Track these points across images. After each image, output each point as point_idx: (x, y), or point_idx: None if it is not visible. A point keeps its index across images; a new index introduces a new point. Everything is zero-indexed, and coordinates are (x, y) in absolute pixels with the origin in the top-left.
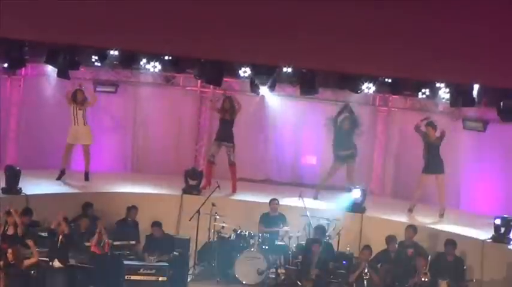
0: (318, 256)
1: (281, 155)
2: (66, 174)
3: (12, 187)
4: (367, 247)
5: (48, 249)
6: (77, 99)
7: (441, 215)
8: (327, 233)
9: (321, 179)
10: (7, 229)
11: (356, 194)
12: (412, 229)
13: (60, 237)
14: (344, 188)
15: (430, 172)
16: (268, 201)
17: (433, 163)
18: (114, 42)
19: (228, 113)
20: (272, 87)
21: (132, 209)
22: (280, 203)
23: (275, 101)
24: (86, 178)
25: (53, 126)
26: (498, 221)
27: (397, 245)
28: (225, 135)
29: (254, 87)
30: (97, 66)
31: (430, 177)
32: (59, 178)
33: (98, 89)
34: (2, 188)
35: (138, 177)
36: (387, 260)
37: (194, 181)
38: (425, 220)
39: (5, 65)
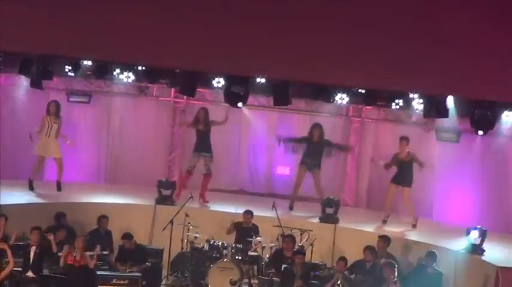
0: (301, 267)
1: (254, 165)
2: (36, 184)
3: None
4: (343, 258)
5: (22, 260)
6: (50, 111)
7: (414, 226)
8: (299, 244)
9: (292, 190)
10: None
11: (474, 235)
12: (384, 239)
13: (34, 248)
14: (317, 199)
15: (397, 183)
16: (241, 212)
17: (402, 175)
18: (89, 52)
19: (202, 124)
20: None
21: (102, 219)
22: (254, 213)
23: (248, 112)
24: (58, 188)
25: (26, 136)
26: (475, 233)
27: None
28: (203, 146)
29: (231, 98)
30: (70, 76)
31: (396, 188)
32: (30, 188)
33: (71, 99)
34: None
35: (112, 187)
36: (362, 270)
37: (167, 191)
38: (399, 230)
39: None
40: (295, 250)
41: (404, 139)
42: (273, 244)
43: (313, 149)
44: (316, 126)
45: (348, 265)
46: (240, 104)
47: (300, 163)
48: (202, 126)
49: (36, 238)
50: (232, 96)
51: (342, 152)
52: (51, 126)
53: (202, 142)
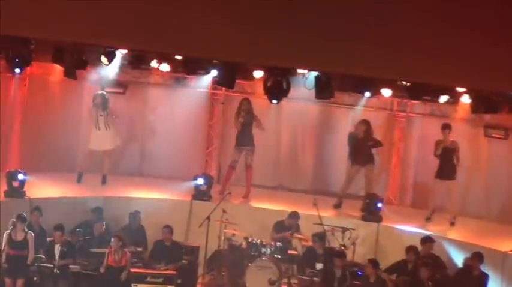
0: (341, 270)
1: (295, 160)
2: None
3: (15, 189)
4: (372, 261)
5: (45, 257)
6: (96, 103)
7: (452, 224)
8: (341, 242)
9: (341, 187)
10: (15, 234)
11: None
12: (427, 240)
13: (58, 246)
14: (364, 196)
15: (441, 178)
16: (283, 209)
17: (445, 167)
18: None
19: (245, 116)
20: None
21: (135, 215)
22: (291, 209)
23: (290, 105)
24: (103, 181)
25: (59, 128)
26: None
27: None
28: (246, 138)
29: (271, 91)
30: (105, 66)
31: (441, 183)
32: (78, 181)
33: (105, 89)
34: (5, 191)
35: (146, 181)
36: (404, 271)
37: (204, 186)
38: (444, 229)
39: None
40: (335, 249)
41: (447, 127)
42: (313, 243)
43: (359, 147)
44: (363, 123)
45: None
46: (274, 101)
47: (350, 161)
48: (244, 118)
49: (60, 238)
50: (273, 89)
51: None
52: (98, 119)
53: (244, 135)
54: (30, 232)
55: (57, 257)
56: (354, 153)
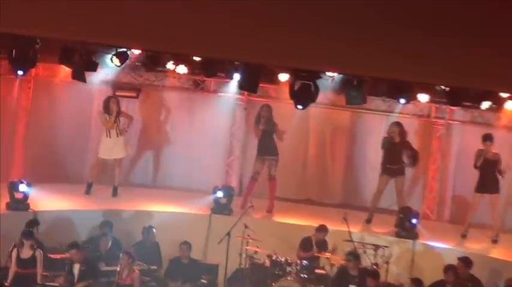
0: None
1: (323, 171)
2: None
3: (18, 202)
4: (415, 280)
5: (64, 277)
6: (109, 109)
7: (494, 241)
8: (374, 261)
9: (372, 200)
10: (22, 252)
11: None
12: (465, 261)
13: (78, 265)
14: (398, 211)
15: (483, 191)
16: (310, 224)
17: (487, 180)
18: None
19: (266, 123)
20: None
21: (149, 230)
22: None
23: (317, 111)
24: (114, 193)
25: (66, 135)
26: None
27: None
28: (268, 147)
29: (298, 95)
30: (117, 67)
31: (482, 198)
32: (87, 192)
33: (117, 93)
34: (7, 204)
35: (161, 194)
36: None
37: (224, 199)
38: (484, 247)
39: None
40: (368, 269)
41: (488, 139)
42: (342, 261)
43: (394, 151)
44: (396, 125)
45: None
46: (300, 107)
47: (381, 170)
48: (265, 126)
49: (78, 257)
50: (299, 94)
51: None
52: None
53: (266, 143)
54: (38, 249)
55: (75, 279)
56: (388, 159)
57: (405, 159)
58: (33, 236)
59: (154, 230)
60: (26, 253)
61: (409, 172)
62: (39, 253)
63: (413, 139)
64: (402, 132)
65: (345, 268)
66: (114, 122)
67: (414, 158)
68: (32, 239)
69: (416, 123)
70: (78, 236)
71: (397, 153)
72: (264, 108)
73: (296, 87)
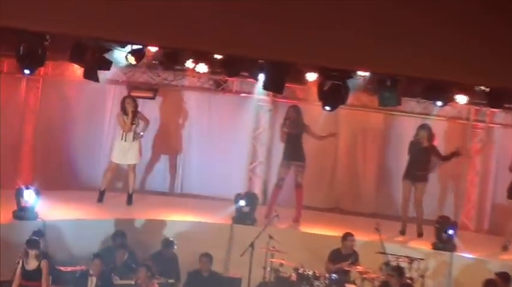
0: None
1: (354, 178)
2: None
3: (26, 210)
4: None
5: None
6: (126, 110)
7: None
8: (408, 275)
9: (401, 209)
10: (27, 263)
11: None
12: (503, 276)
13: (94, 279)
14: (433, 222)
15: None
16: (339, 235)
17: None
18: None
19: (292, 126)
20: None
21: (171, 243)
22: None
23: (348, 113)
24: (129, 201)
25: (78, 138)
26: None
27: None
28: (294, 152)
29: (327, 96)
30: (132, 66)
31: None
32: (100, 200)
33: (132, 94)
34: (14, 212)
35: (179, 202)
36: None
37: (247, 208)
38: None
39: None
40: (402, 283)
41: None
42: (375, 275)
43: (422, 157)
44: (424, 129)
45: None
46: (328, 108)
47: (404, 176)
48: (292, 129)
49: (98, 269)
50: (328, 95)
51: (448, 160)
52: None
53: (293, 148)
54: (44, 259)
55: None
56: (413, 165)
57: (431, 165)
58: (38, 245)
59: (175, 244)
60: (31, 264)
61: (441, 178)
62: (44, 264)
63: (450, 143)
64: (430, 137)
65: (387, 283)
66: (132, 124)
67: (448, 157)
68: (37, 249)
69: (454, 126)
70: (90, 247)
71: (424, 159)
72: (290, 109)
73: (325, 88)
